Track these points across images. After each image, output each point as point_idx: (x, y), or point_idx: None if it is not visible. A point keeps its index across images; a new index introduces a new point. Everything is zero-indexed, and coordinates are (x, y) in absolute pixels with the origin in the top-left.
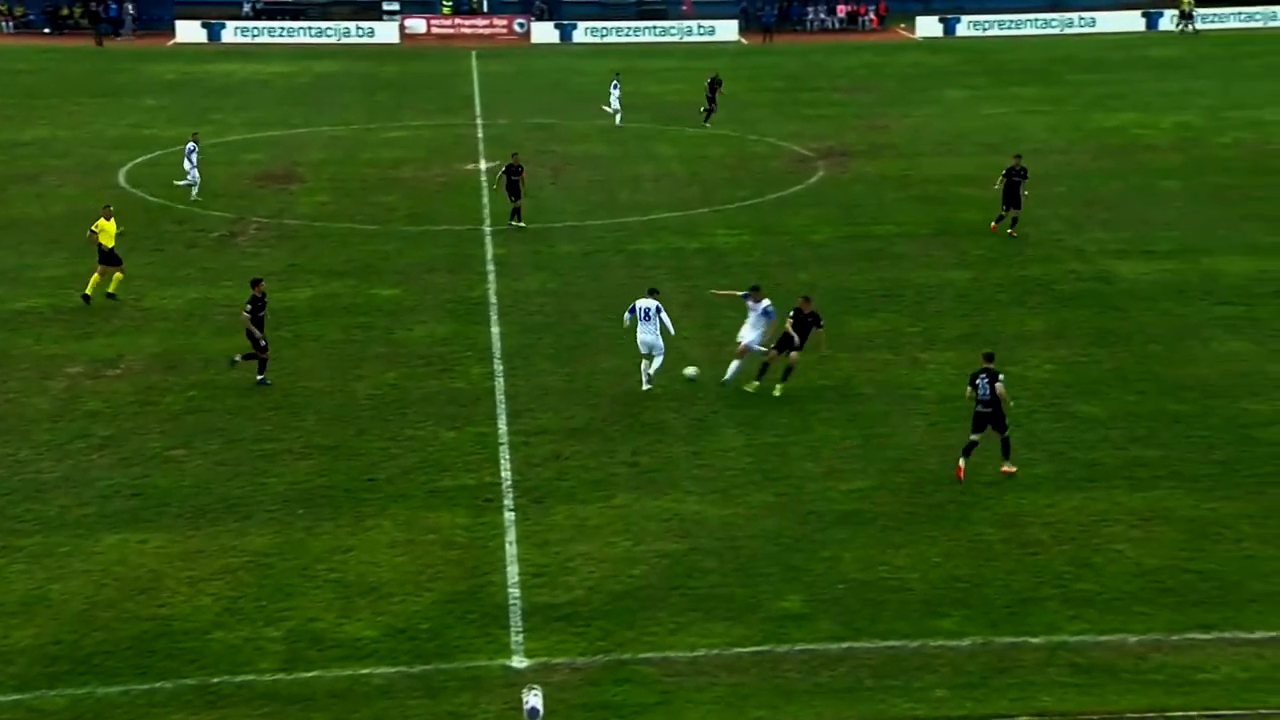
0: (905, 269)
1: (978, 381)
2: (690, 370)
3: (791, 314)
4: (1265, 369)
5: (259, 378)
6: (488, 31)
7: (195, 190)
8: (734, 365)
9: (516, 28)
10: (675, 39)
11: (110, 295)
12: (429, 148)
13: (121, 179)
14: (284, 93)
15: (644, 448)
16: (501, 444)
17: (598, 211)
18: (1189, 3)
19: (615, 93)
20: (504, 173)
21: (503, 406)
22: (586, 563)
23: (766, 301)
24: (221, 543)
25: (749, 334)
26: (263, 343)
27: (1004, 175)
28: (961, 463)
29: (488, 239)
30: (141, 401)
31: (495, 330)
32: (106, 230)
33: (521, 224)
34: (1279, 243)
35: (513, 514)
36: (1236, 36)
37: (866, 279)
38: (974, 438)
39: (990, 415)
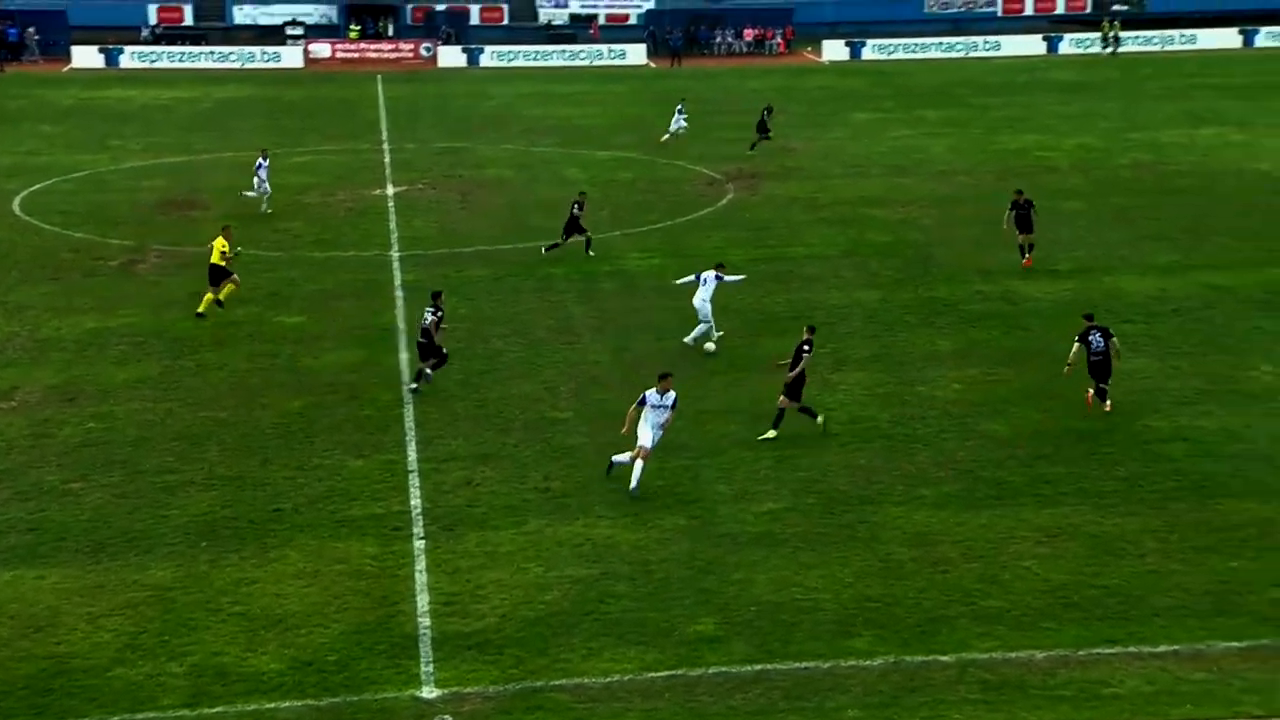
0: (815, 290)
1: (1090, 338)
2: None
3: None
4: (1166, 386)
5: (413, 386)
6: (394, 56)
7: (266, 202)
8: (638, 468)
9: (423, 52)
10: (584, 63)
11: (219, 303)
12: (335, 173)
13: (16, 207)
14: (186, 118)
15: (556, 473)
16: (411, 471)
17: (508, 235)
18: (1115, 25)
19: (679, 117)
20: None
21: (412, 433)
22: (498, 590)
23: (673, 394)
24: (122, 577)
25: (648, 433)
26: (443, 351)
27: (1011, 209)
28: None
29: (395, 265)
30: (37, 434)
31: (404, 357)
32: (218, 248)
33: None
34: (1177, 262)
35: (423, 542)
36: (1135, 60)
37: (777, 301)
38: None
39: (1100, 363)
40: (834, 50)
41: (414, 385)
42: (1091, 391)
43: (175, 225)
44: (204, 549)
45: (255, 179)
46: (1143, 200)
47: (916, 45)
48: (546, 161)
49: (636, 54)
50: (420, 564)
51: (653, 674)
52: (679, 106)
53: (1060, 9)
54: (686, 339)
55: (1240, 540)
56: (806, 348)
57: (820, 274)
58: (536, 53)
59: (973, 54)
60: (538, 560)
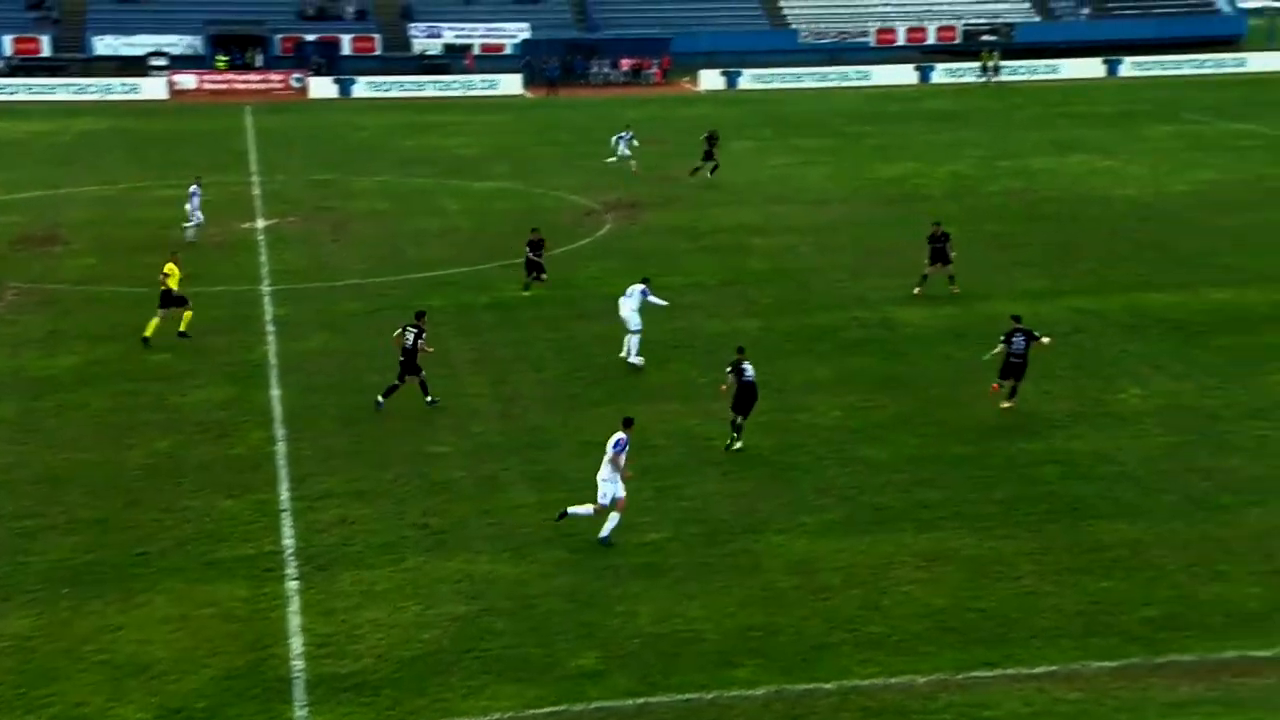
0: (695, 319)
1: (1013, 340)
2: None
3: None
4: (1039, 410)
5: (431, 400)
6: (263, 87)
7: (195, 232)
8: (612, 520)
9: (293, 83)
10: (459, 93)
11: (182, 334)
12: (203, 206)
13: None
14: (44, 152)
15: (434, 508)
16: (283, 510)
17: (382, 268)
18: (995, 55)
19: (623, 143)
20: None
21: (284, 472)
22: (375, 629)
23: (617, 436)
24: None
25: (609, 487)
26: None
27: (929, 241)
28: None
29: (266, 299)
30: None
31: (275, 393)
32: (173, 274)
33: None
34: (1048, 287)
35: (296, 582)
36: (1004, 89)
37: (658, 330)
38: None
39: (1018, 366)
40: (711, 80)
41: (431, 399)
42: (996, 385)
43: (33, 262)
44: (65, 596)
45: (189, 207)
46: (1014, 227)
47: (792, 75)
48: (422, 192)
49: (512, 84)
50: (293, 605)
51: (534, 710)
52: (623, 134)
53: (931, 39)
54: (623, 354)
55: (1111, 560)
56: (729, 368)
57: (700, 303)
58: (411, 83)
59: (847, 83)
60: (416, 598)
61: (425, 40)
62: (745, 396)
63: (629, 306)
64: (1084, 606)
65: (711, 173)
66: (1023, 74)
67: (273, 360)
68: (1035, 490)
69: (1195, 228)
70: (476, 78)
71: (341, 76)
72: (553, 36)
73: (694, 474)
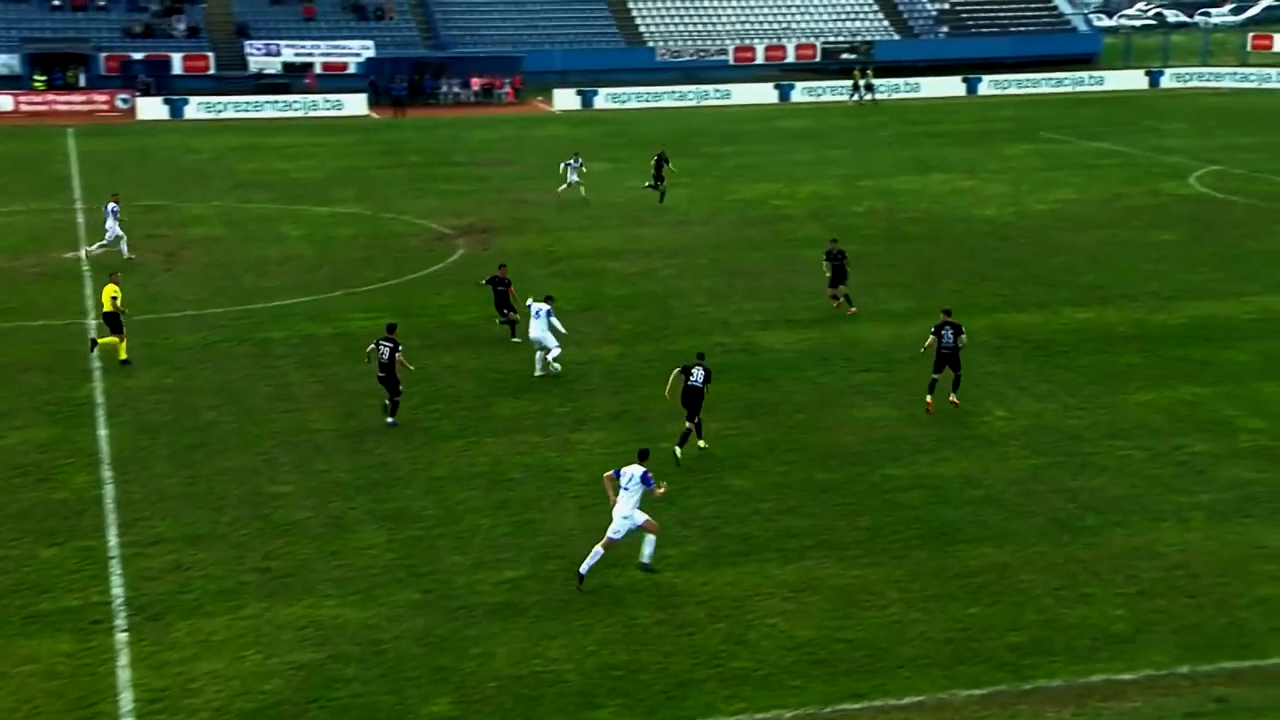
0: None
1: (943, 332)
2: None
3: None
4: (905, 434)
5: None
6: (86, 108)
7: (99, 247)
8: (650, 543)
9: (120, 103)
10: (300, 114)
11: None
12: (21, 235)
13: None
14: None
15: (276, 551)
16: (111, 558)
17: (219, 298)
18: (867, 73)
19: (572, 170)
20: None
21: (112, 516)
22: (212, 682)
23: (639, 469)
24: None
25: (623, 520)
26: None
27: (826, 259)
28: (929, 398)
29: (92, 334)
30: None
31: (103, 433)
32: (108, 295)
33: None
34: (913, 308)
35: (125, 635)
36: (864, 108)
37: (513, 359)
38: (935, 376)
39: (950, 358)
40: (565, 99)
41: (391, 420)
42: (930, 403)
43: None
44: None
45: (106, 226)
46: (877, 247)
47: (649, 94)
48: (261, 218)
49: (356, 104)
50: (123, 659)
51: None
52: (571, 160)
53: (790, 58)
54: (538, 371)
55: (978, 586)
56: (683, 371)
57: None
58: (247, 103)
59: (705, 102)
60: (257, 647)
61: (262, 59)
62: (690, 398)
63: (539, 328)
64: (952, 634)
65: (661, 198)
66: (883, 92)
67: (99, 399)
68: (901, 516)
69: (1056, 247)
70: (319, 98)
71: (172, 97)
72: (399, 54)
73: (552, 508)
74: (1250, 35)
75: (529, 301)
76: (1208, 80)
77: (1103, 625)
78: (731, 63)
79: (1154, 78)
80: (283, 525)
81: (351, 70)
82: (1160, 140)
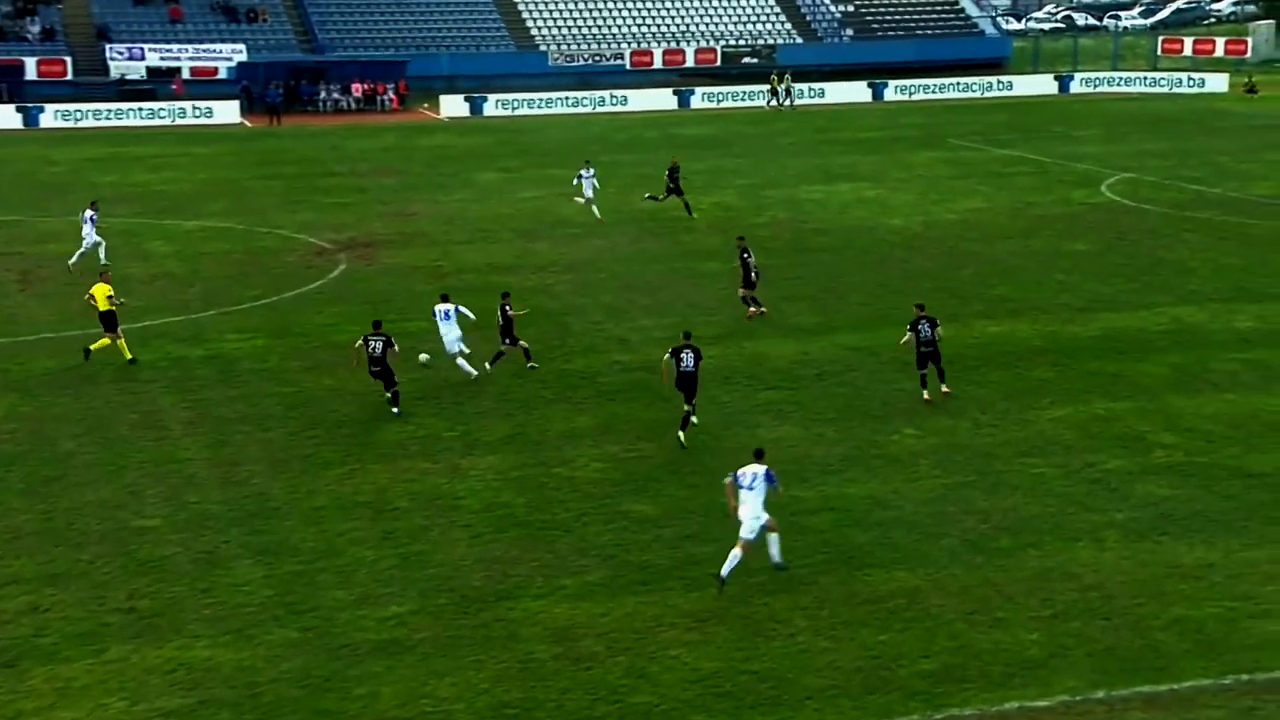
0: (443, 369)
1: (919, 327)
2: (423, 356)
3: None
4: (811, 454)
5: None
6: None
7: (79, 256)
8: (775, 541)
9: None
10: (167, 122)
11: (88, 352)
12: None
13: None
14: None
15: (142, 589)
16: None
17: (78, 320)
18: (786, 78)
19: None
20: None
21: None
22: None
23: (761, 468)
24: None
25: (755, 521)
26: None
27: (740, 256)
28: (925, 393)
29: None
30: None
31: None
32: (99, 295)
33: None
34: (819, 323)
35: None
36: (766, 114)
37: (400, 380)
38: (922, 371)
39: (931, 353)
40: (453, 106)
41: (396, 410)
42: (927, 397)
43: None
44: None
45: (84, 234)
46: (782, 260)
47: (542, 100)
48: (125, 234)
49: (228, 112)
50: None
51: None
52: (584, 171)
53: (690, 62)
54: (465, 369)
55: (889, 612)
56: (673, 356)
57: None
58: (109, 111)
59: (600, 109)
60: (121, 693)
61: (125, 63)
62: (686, 383)
63: (452, 331)
64: (862, 662)
65: (688, 211)
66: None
67: None
68: (808, 540)
69: (965, 258)
70: (187, 105)
71: (26, 104)
72: (274, 59)
73: (441, 538)
74: (1160, 39)
75: (434, 308)
76: (1118, 85)
77: (1017, 650)
78: (628, 67)
79: (1064, 82)
80: (149, 562)
81: (222, 75)
82: (1071, 147)
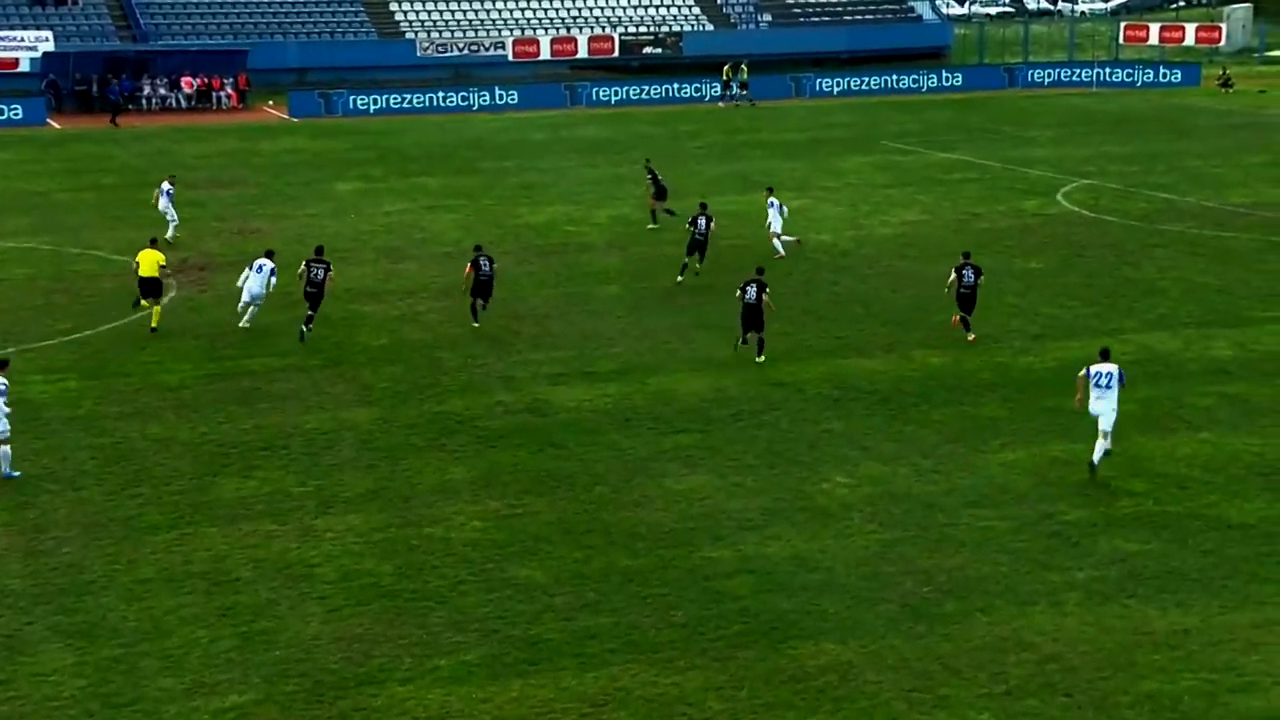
0: (291, 412)
1: (964, 272)
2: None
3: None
4: (727, 507)
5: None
6: None
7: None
8: (1101, 447)
9: None
10: None
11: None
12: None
13: None
14: None
15: None
16: None
17: None
18: (741, 69)
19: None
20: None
21: None
22: None
23: (1113, 366)
24: None
25: (1113, 412)
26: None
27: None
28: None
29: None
30: None
31: None
32: (146, 261)
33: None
34: (736, 355)
35: None
36: (671, 113)
37: (240, 429)
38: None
39: (968, 296)
40: (303, 104)
41: (306, 330)
42: (957, 317)
43: None
44: None
45: (166, 201)
46: (693, 281)
47: (409, 97)
48: None
49: (30, 110)
50: None
51: None
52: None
53: (583, 52)
54: (243, 323)
55: (818, 690)
56: (754, 288)
57: (297, 390)
58: None
59: (480, 107)
60: None
61: None
62: (750, 315)
63: (259, 282)
64: None
65: (667, 210)
66: (690, 92)
67: None
68: (724, 608)
69: (902, 278)
70: None
71: None
72: (87, 49)
73: (291, 613)
74: (1123, 25)
75: (257, 262)
76: (1075, 78)
77: None
78: (511, 59)
79: (1013, 75)
80: None
81: (25, 68)
82: (1022, 150)
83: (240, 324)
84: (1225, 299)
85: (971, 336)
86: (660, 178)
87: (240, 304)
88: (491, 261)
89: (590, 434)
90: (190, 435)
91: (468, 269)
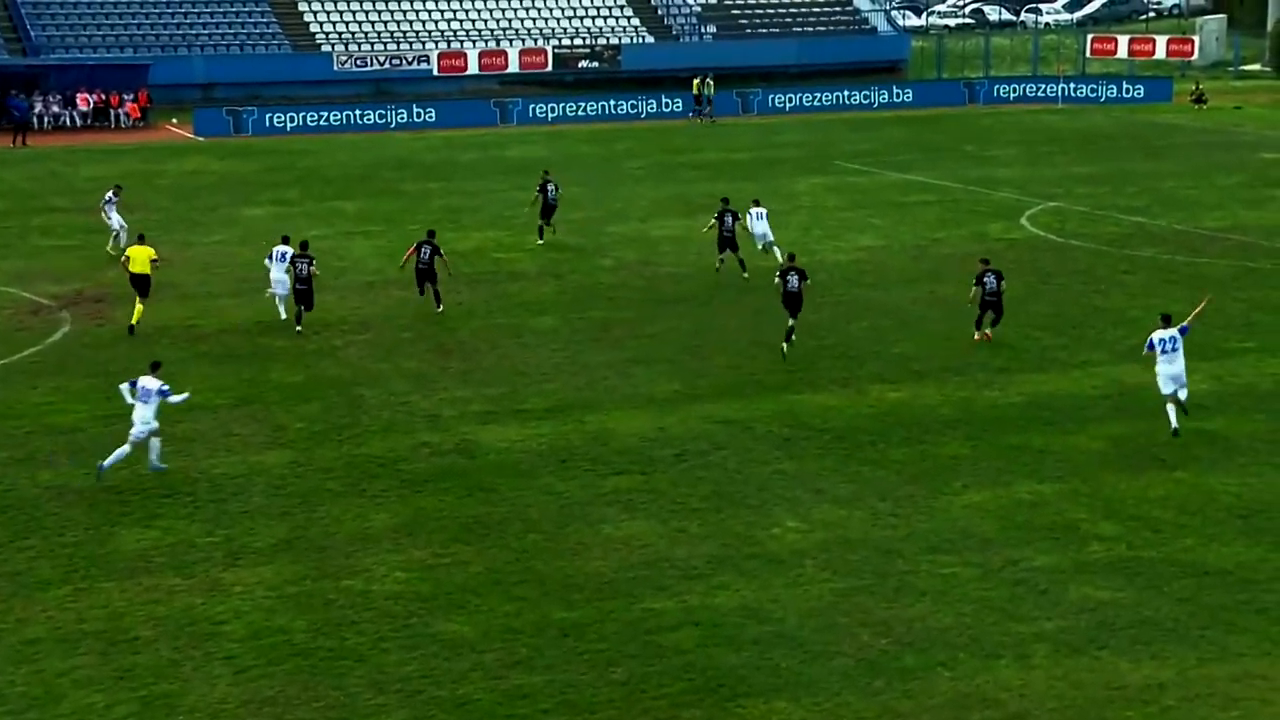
0: (196, 456)
1: (985, 280)
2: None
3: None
4: (670, 555)
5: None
6: None
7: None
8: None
9: None
10: None
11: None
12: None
13: None
14: None
15: None
16: None
17: None
18: (708, 83)
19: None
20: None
21: None
22: None
23: (1173, 330)
24: None
25: (1173, 380)
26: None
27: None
28: (976, 335)
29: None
30: None
31: None
32: (138, 257)
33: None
34: (679, 391)
35: None
36: (609, 131)
37: (140, 474)
38: (981, 315)
39: (994, 303)
40: (210, 122)
41: (299, 328)
42: (984, 335)
43: None
44: None
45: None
46: (631, 313)
47: (325, 115)
48: None
49: None
50: None
51: None
52: (752, 209)
53: (514, 66)
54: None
55: None
56: (780, 277)
57: (203, 431)
58: None
59: (402, 125)
60: None
61: None
62: (790, 301)
63: (283, 279)
64: None
65: (548, 233)
66: (628, 110)
67: None
68: (668, 664)
69: (857, 308)
70: None
71: None
72: None
73: (196, 675)
74: (1089, 38)
75: (277, 250)
76: (1040, 94)
77: None
78: (435, 73)
79: (974, 91)
80: None
81: None
82: (984, 170)
83: (282, 317)
84: (1200, 329)
85: (988, 333)
86: (554, 195)
87: (270, 294)
88: (435, 250)
89: (523, 477)
90: (87, 482)
91: (409, 251)
